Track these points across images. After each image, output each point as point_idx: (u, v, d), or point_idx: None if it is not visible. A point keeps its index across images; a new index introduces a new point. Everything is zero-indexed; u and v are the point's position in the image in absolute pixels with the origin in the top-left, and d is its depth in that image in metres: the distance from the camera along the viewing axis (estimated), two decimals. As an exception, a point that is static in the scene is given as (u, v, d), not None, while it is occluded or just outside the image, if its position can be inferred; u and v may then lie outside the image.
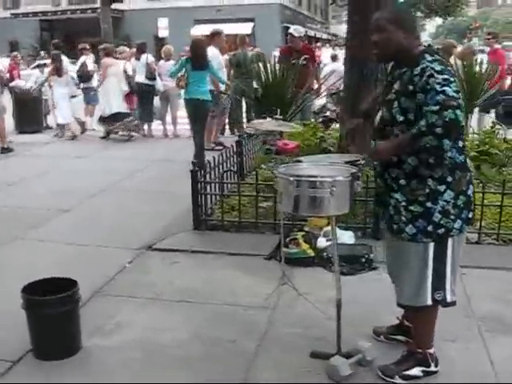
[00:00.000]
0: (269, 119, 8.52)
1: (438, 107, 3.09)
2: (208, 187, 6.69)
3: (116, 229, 6.67)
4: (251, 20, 44.47)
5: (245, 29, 37.11)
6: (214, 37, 11.50)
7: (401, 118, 3.33)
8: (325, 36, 61.44)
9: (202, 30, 30.70)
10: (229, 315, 4.52)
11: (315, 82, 11.72)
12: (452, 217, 3.38)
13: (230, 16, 42.77)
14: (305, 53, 11.03)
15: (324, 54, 26.66)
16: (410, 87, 3.27)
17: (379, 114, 3.51)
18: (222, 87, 11.05)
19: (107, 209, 7.55)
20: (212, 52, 10.74)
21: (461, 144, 3.40)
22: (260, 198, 6.49)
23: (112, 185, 8.83)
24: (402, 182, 3.42)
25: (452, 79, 3.19)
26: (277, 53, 16.30)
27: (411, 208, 3.40)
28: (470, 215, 3.47)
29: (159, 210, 7.35)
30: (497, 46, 13.28)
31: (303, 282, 4.85)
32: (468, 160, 3.51)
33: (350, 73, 7.63)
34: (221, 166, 7.08)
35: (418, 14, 47.03)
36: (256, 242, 6.06)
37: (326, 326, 4.10)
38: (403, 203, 3.42)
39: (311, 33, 51.13)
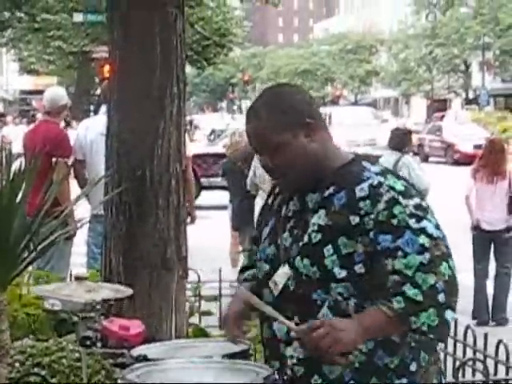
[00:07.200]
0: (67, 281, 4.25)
1: (428, 257, 1.96)
2: None
3: None
4: None
5: None
6: None
7: (343, 274, 2.02)
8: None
9: None
10: None
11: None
12: None
13: None
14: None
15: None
16: (354, 219, 2.01)
17: (285, 271, 2.12)
18: None
19: None
20: None
21: None
22: None
23: None
24: None
25: (425, 204, 2.06)
26: None
27: None
28: None
29: None
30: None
31: None
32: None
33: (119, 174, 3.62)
34: None
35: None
36: None
37: None
38: None
39: None
